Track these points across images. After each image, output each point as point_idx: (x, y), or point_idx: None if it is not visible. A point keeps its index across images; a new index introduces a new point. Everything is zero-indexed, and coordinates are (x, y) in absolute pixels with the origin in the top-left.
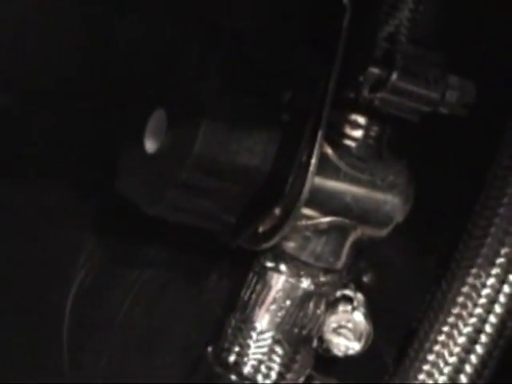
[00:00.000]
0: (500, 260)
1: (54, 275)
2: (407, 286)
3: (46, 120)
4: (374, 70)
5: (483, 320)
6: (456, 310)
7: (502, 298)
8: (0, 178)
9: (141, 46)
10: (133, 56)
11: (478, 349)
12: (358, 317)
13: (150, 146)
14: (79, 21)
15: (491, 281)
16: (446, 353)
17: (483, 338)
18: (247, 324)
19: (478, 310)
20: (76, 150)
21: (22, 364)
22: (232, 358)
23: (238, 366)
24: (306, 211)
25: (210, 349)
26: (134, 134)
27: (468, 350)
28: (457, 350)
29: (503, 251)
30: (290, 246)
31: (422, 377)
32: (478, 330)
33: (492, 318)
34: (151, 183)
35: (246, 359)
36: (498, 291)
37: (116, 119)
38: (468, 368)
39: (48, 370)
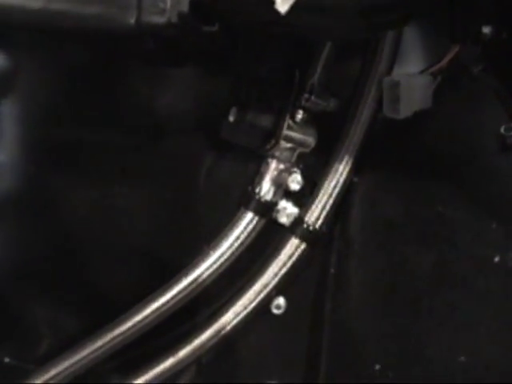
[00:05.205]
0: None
1: (189, 172)
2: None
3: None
4: (307, 95)
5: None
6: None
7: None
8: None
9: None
10: None
11: None
12: None
13: (231, 118)
14: None
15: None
16: None
17: None
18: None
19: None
20: (206, 118)
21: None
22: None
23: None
24: (282, 143)
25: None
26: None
27: None
28: None
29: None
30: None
31: None
32: None
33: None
34: (229, 131)
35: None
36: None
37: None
38: None
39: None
